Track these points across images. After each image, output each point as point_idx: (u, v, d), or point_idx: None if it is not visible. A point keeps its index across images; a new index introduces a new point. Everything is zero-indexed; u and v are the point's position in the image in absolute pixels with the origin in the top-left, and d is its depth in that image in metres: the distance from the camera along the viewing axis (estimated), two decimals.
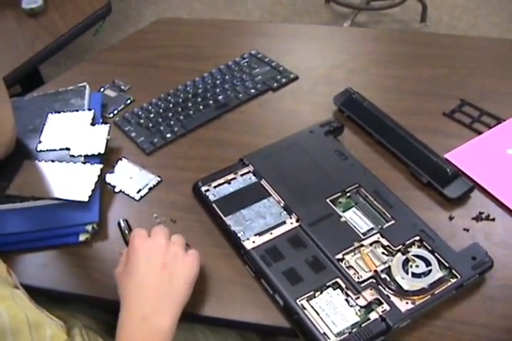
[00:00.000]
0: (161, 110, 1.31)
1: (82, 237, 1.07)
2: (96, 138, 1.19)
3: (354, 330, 0.87)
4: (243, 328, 1.00)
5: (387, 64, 1.42)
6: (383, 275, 0.93)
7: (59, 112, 1.25)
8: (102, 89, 1.40)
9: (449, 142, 1.18)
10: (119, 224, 1.06)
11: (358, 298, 0.91)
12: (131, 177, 1.17)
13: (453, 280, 0.92)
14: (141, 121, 1.29)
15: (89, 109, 1.26)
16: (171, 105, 1.32)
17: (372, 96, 1.25)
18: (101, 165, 1.14)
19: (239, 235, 1.00)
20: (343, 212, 1.03)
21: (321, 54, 1.48)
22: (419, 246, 0.97)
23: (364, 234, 0.99)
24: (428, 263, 0.94)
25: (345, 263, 0.95)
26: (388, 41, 1.51)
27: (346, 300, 0.91)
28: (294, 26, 1.59)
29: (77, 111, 1.25)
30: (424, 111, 1.27)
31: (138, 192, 1.15)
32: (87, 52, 3.17)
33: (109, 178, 1.17)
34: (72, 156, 1.15)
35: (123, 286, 0.91)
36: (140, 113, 1.31)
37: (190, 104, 1.31)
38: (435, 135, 1.20)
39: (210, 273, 1.01)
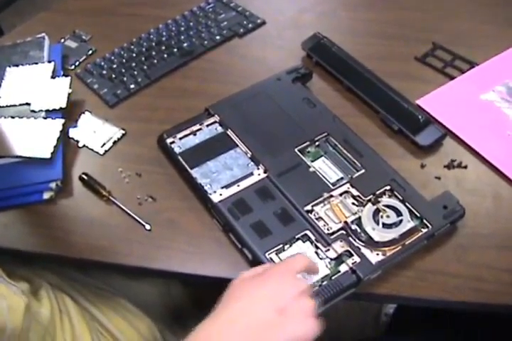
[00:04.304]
0: (123, 60, 1.26)
1: (46, 195, 1.04)
2: (57, 92, 1.15)
3: (324, 283, 0.85)
4: (213, 283, 0.99)
5: (358, 6, 1.38)
6: (353, 227, 0.91)
7: (17, 65, 1.21)
8: (62, 40, 1.35)
9: (420, 87, 1.15)
10: (81, 179, 1.04)
11: (328, 250, 0.89)
12: (94, 131, 1.13)
13: (424, 230, 0.90)
14: (104, 72, 1.24)
15: (49, 61, 1.21)
16: (134, 54, 1.27)
17: (341, 41, 1.21)
18: (63, 120, 1.10)
19: (205, 188, 0.98)
20: (312, 161, 1.00)
21: None
22: (390, 196, 0.95)
23: (333, 184, 0.97)
24: (399, 213, 0.92)
25: (314, 215, 0.93)
26: None
27: (316, 252, 0.90)
28: None
29: (37, 63, 1.20)
30: (395, 55, 1.23)
31: (102, 146, 1.11)
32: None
33: (72, 133, 1.14)
34: (33, 111, 1.11)
35: (229, 299, 0.77)
36: (102, 63, 1.26)
37: (153, 53, 1.27)
38: (406, 80, 1.17)
39: (178, 227, 0.99)
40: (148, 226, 0.98)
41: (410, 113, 1.05)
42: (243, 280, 0.79)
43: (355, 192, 0.95)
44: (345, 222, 0.92)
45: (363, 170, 0.98)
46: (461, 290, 0.89)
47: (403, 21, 1.32)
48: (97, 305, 1.05)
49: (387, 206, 0.93)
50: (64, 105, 1.12)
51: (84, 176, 1.05)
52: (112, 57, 1.27)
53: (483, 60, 1.20)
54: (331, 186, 0.96)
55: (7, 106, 1.13)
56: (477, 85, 1.15)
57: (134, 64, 1.25)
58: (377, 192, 0.95)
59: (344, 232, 0.90)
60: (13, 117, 1.10)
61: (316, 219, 0.92)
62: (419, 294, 0.88)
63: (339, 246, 0.89)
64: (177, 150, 1.04)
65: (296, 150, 1.01)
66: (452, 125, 1.08)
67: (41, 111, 1.12)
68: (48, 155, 1.04)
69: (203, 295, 1.17)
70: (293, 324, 0.72)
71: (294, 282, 0.76)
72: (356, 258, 0.87)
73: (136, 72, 1.23)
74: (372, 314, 1.80)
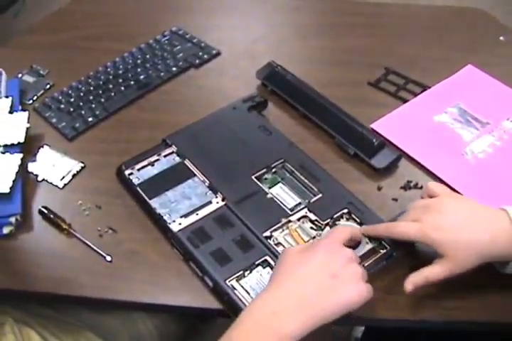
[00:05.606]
0: (81, 93, 1.27)
1: (5, 230, 1.03)
2: (15, 127, 1.15)
3: None
4: (176, 312, 0.99)
5: (310, 35, 1.41)
6: None
7: None
8: (19, 75, 1.35)
9: (375, 112, 1.18)
10: (41, 212, 1.04)
11: None
12: (53, 165, 1.13)
13: (383, 251, 0.91)
14: (62, 106, 1.25)
15: (7, 97, 1.22)
16: (91, 88, 1.28)
17: (295, 69, 1.23)
18: (21, 155, 1.11)
19: (165, 218, 0.98)
20: (270, 188, 1.02)
21: (243, 28, 1.45)
22: (347, 219, 0.97)
23: (291, 209, 0.98)
24: None
25: (273, 241, 0.94)
26: (310, 11, 1.50)
27: None
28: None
29: None
30: (349, 81, 1.26)
31: (61, 179, 1.11)
32: (10, 35, 3.06)
33: (31, 167, 1.14)
34: None
35: (284, 271, 0.82)
36: (60, 97, 1.27)
37: (111, 86, 1.28)
38: (361, 105, 1.19)
39: (138, 258, 0.99)
40: (109, 258, 0.98)
41: (365, 137, 1.07)
42: (293, 254, 0.83)
43: (313, 217, 0.96)
44: None
45: (320, 195, 0.99)
46: (421, 308, 0.89)
47: (355, 48, 1.35)
48: (63, 339, 1.04)
49: None
50: (22, 140, 1.13)
51: (43, 210, 1.05)
52: (70, 91, 1.28)
53: (434, 83, 1.23)
54: (288, 211, 0.97)
55: None
56: (430, 107, 1.18)
57: (91, 97, 1.26)
58: (335, 216, 0.96)
59: None
60: None
61: (276, 244, 0.93)
62: (381, 315, 0.89)
63: None
64: (135, 181, 1.04)
65: (253, 177, 1.02)
66: (407, 147, 1.10)
67: None
68: (6, 190, 1.03)
69: (169, 325, 1.17)
70: (345, 287, 0.78)
71: (340, 251, 0.82)
72: None
73: (93, 105, 1.24)
74: (341, 338, 1.81)
